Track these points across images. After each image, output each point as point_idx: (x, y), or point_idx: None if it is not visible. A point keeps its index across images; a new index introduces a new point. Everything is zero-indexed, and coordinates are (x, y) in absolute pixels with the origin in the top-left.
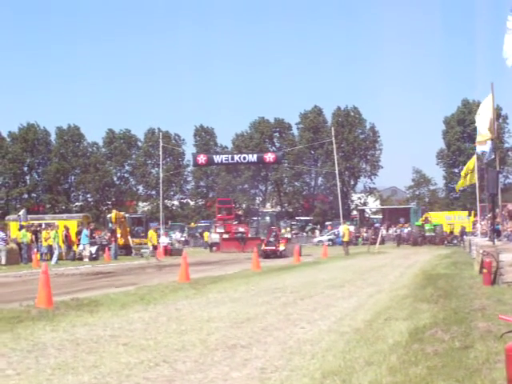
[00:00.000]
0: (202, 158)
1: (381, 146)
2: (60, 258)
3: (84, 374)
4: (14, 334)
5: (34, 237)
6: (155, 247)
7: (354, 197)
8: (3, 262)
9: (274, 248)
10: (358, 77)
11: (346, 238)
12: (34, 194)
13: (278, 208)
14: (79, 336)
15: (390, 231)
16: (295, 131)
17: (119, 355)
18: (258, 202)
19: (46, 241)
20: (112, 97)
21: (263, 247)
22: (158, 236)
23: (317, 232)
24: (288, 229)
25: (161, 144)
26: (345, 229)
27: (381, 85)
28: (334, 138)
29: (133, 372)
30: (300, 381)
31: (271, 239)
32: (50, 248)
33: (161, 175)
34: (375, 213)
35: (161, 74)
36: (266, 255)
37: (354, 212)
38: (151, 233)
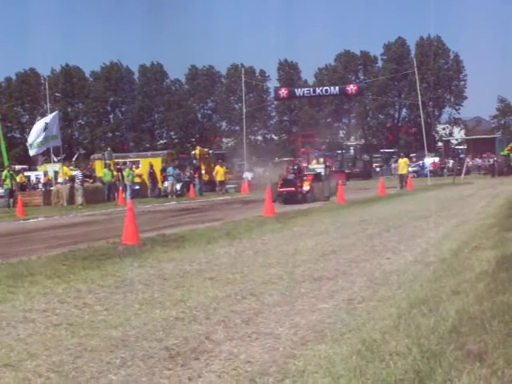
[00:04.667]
0: (283, 92)
1: (465, 77)
2: (145, 195)
3: (172, 308)
4: (101, 270)
5: (119, 175)
6: (221, 183)
7: (439, 128)
8: (80, 202)
9: (292, 189)
10: (442, 5)
11: (401, 171)
12: (117, 133)
13: (362, 141)
14: (166, 271)
15: (475, 162)
16: (380, 64)
17: (206, 289)
18: (341, 135)
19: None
20: (194, 32)
21: (278, 188)
22: (229, 172)
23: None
24: (321, 160)
25: (243, 79)
26: (402, 161)
27: (464, 12)
28: (416, 69)
29: (220, 305)
30: (387, 311)
31: (290, 177)
32: (138, 184)
33: (244, 110)
34: (460, 143)
35: (244, 7)
36: (284, 200)
37: (439, 143)
38: (217, 168)
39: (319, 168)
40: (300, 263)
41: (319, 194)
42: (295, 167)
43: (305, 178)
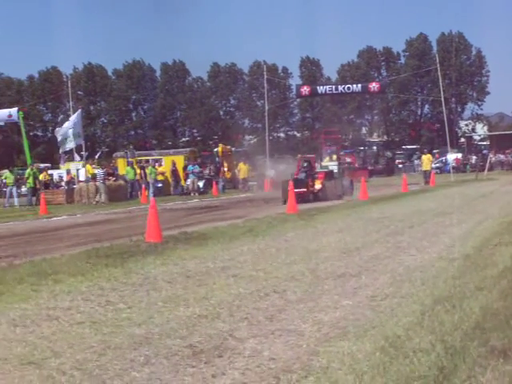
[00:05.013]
0: (305, 90)
1: (487, 72)
2: (167, 193)
3: (195, 305)
4: (124, 268)
5: (142, 172)
6: (244, 180)
7: (462, 124)
8: (103, 199)
9: (304, 190)
10: (463, 0)
11: (425, 167)
12: (140, 131)
13: (385, 138)
14: (189, 269)
15: (498, 158)
16: (403, 60)
17: (229, 286)
18: (364, 132)
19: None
20: (216, 30)
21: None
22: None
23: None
24: (334, 156)
25: (265, 76)
26: (425, 158)
27: (486, 7)
28: (438, 65)
29: (243, 303)
30: (410, 307)
31: (301, 176)
32: (161, 182)
33: (266, 108)
34: (483, 139)
35: (267, 4)
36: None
37: (462, 139)
38: (241, 165)
39: (332, 165)
40: (323, 260)
41: (331, 192)
42: (305, 164)
43: (316, 175)
